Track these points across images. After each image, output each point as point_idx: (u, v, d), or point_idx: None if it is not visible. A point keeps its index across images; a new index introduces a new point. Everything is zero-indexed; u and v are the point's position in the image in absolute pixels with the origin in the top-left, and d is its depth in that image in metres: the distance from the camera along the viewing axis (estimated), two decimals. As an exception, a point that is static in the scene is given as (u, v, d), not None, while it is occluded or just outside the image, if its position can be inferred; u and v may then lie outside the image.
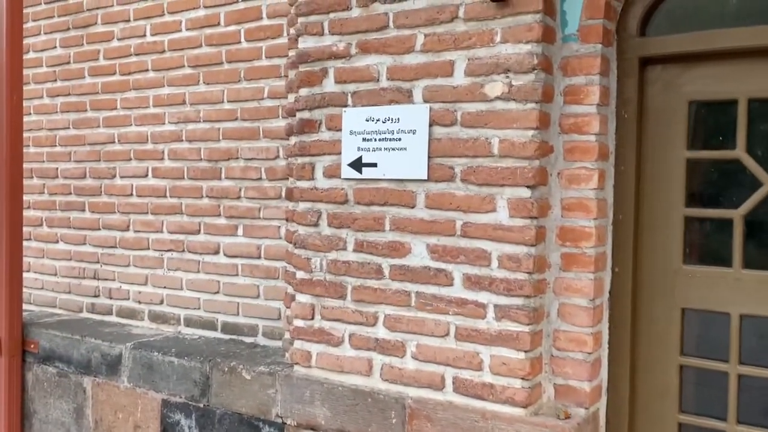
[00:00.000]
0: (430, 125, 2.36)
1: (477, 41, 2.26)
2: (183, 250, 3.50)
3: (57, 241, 4.02)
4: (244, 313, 3.30)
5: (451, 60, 2.32)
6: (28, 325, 3.68)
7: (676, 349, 2.29)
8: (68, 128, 3.95)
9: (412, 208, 2.42)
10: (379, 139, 2.48)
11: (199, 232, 3.45)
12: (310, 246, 2.66)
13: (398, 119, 2.43)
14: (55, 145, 4.01)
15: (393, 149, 2.45)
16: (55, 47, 3.99)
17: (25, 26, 3.83)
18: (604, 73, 2.23)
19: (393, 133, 2.44)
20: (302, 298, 2.69)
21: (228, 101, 3.33)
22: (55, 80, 4.00)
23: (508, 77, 2.21)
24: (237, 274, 3.32)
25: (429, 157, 2.36)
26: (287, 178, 3.07)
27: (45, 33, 4.03)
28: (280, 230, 3.20)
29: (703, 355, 2.27)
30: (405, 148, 2.42)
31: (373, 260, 2.51)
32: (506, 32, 2.21)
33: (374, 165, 2.49)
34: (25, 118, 3.94)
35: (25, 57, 3.90)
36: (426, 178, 2.37)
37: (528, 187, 2.18)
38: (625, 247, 2.32)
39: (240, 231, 3.31)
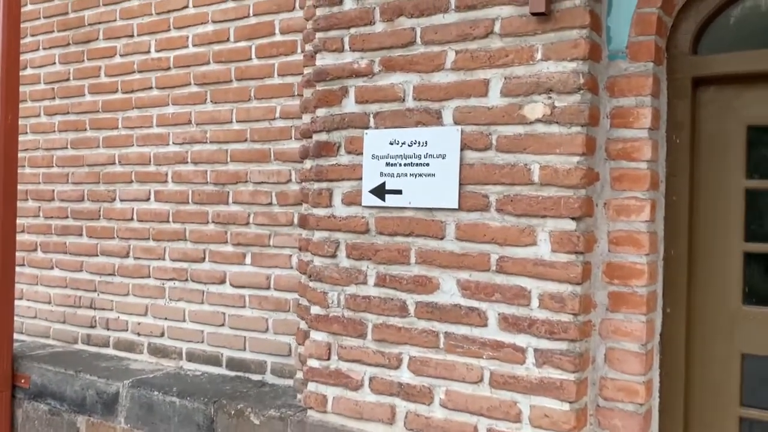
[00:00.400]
0: (462, 149, 2.16)
1: (515, 59, 2.07)
2: (186, 279, 3.28)
3: (52, 268, 3.80)
4: (252, 348, 3.07)
5: (486, 79, 2.12)
6: (18, 358, 3.44)
7: (735, 399, 2.06)
8: (66, 148, 3.74)
9: (441, 239, 2.20)
10: (405, 164, 2.27)
11: (203, 260, 3.23)
12: (327, 279, 2.44)
13: (426, 143, 2.23)
14: (52, 166, 3.80)
15: (420, 175, 2.24)
16: (54, 63, 3.80)
17: (22, 41, 3.65)
18: (655, 94, 2.03)
19: (420, 158, 2.24)
20: (317, 335, 2.47)
21: (237, 121, 3.13)
22: (54, 98, 3.80)
23: (550, 98, 2.01)
24: (244, 306, 3.10)
25: (460, 185, 2.16)
26: (300, 204, 2.86)
27: (44, 48, 3.84)
28: (291, 259, 2.98)
29: (765, 406, 2.05)
30: (433, 174, 2.21)
31: (396, 296, 2.29)
32: (548, 49, 2.02)
33: (399, 192, 2.29)
34: (21, 138, 3.75)
35: (22, 73, 3.72)
36: (457, 207, 2.16)
37: (573, 218, 1.97)
38: (678, 286, 2.10)
39: (248, 259, 3.09)
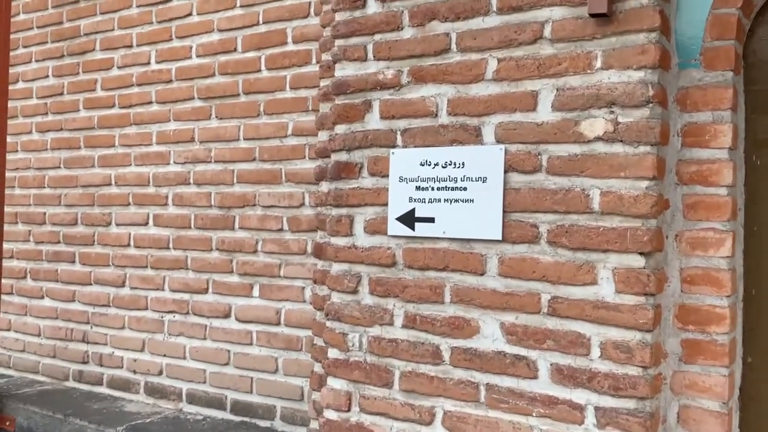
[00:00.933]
0: (506, 172, 1.87)
1: (569, 67, 1.79)
2: (187, 313, 2.98)
3: (42, 297, 3.50)
4: (259, 390, 2.76)
5: (534, 91, 1.84)
6: (4, 397, 3.13)
7: (831, 465, 1.75)
8: (59, 168, 3.47)
9: (481, 275, 1.91)
10: (438, 188, 1.98)
11: (206, 291, 2.93)
12: (347, 318, 2.14)
13: (463, 164, 1.94)
14: (44, 187, 3.52)
15: (456, 201, 1.95)
16: (48, 76, 3.54)
17: (13, 53, 3.40)
18: (734, 108, 1.75)
19: (456, 181, 1.95)
20: (336, 383, 2.16)
21: (245, 139, 2.85)
22: (46, 113, 3.53)
23: (612, 112, 1.72)
24: (251, 343, 2.80)
25: (504, 212, 1.86)
26: (315, 231, 2.58)
27: (36, 60, 3.58)
28: (304, 292, 2.68)
29: None
30: (472, 200, 1.92)
31: (428, 340, 1.99)
32: (609, 56, 1.73)
33: (431, 220, 1.99)
34: (11, 156, 3.48)
35: (12, 87, 3.46)
36: (500, 238, 1.87)
37: (641, 253, 1.68)
38: (761, 332, 1.79)
39: (256, 291, 2.80)
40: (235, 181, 2.88)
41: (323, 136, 2.47)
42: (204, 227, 2.95)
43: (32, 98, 3.59)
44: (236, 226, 2.87)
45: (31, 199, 3.57)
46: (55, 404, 3.03)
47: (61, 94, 3.48)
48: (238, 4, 2.88)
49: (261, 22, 2.82)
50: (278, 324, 2.74)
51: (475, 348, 1.91)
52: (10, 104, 3.46)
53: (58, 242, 3.45)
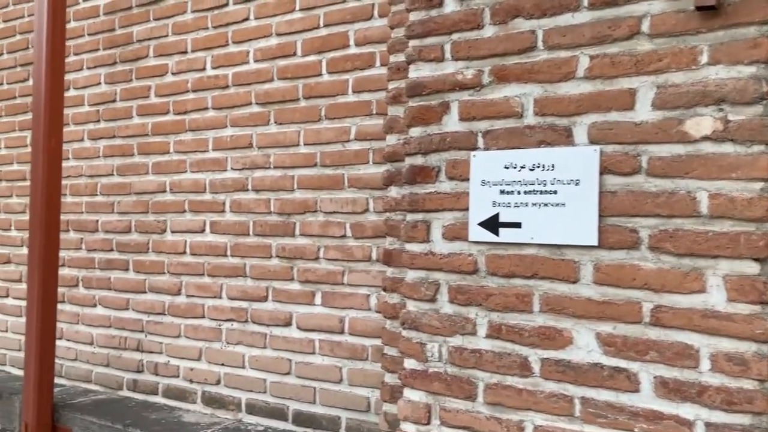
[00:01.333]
0: (601, 174, 1.78)
1: (671, 63, 1.70)
2: (246, 321, 2.93)
3: (95, 305, 3.48)
4: (323, 401, 2.69)
5: (631, 88, 1.75)
6: (59, 407, 3.11)
7: None
8: (112, 175, 3.45)
9: (574, 283, 1.82)
10: (525, 192, 1.90)
11: (266, 299, 2.87)
12: (425, 327, 2.06)
13: (552, 166, 1.86)
14: (96, 194, 3.50)
15: (545, 205, 1.86)
16: (100, 84, 3.52)
17: (65, 60, 3.38)
18: None
19: (545, 184, 1.87)
20: (413, 394, 2.08)
21: (305, 144, 2.80)
22: (98, 121, 3.52)
23: (721, 110, 1.63)
24: (313, 352, 2.73)
25: (600, 216, 1.77)
26: (381, 237, 2.51)
27: (88, 68, 3.57)
28: (369, 299, 2.61)
29: None
30: (563, 204, 1.83)
31: (515, 350, 1.90)
32: (717, 50, 1.64)
33: (517, 225, 1.91)
34: (63, 163, 3.46)
35: (65, 95, 3.44)
36: (596, 243, 1.78)
37: (756, 260, 1.58)
38: None
39: (318, 299, 2.73)
40: (295, 187, 2.82)
41: (392, 139, 2.40)
42: (263, 234, 2.90)
43: (84, 106, 3.58)
44: (297, 232, 2.81)
45: (83, 206, 3.55)
46: (112, 414, 2.99)
47: (114, 101, 3.46)
48: (297, 8, 2.83)
49: (322, 25, 2.77)
50: (342, 332, 2.67)
51: (567, 359, 1.82)
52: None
53: (111, 250, 3.43)
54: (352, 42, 2.69)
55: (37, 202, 3.06)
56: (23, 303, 3.83)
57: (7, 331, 3.88)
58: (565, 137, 1.85)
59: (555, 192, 1.85)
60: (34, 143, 3.10)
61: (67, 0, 3.14)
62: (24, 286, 3.83)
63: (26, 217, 3.83)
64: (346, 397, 2.64)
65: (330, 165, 2.73)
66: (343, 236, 2.69)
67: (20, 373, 3.77)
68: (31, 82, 3.85)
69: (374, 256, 2.60)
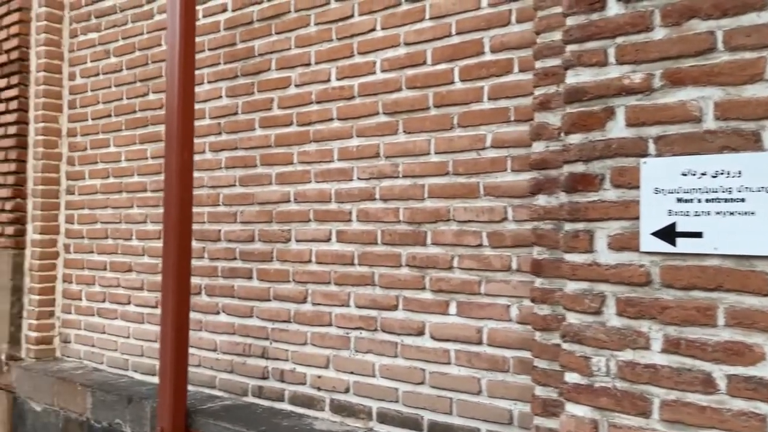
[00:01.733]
0: (798, 181, 1.68)
1: None
2: (375, 329, 2.93)
3: (218, 313, 3.57)
4: (460, 412, 2.66)
5: (833, 89, 1.65)
6: (191, 413, 3.19)
7: None
8: (234, 185, 3.53)
9: (765, 296, 1.72)
10: (707, 200, 1.82)
11: (396, 307, 2.87)
12: (589, 341, 2.00)
13: (739, 173, 1.77)
14: (219, 205, 3.60)
15: (731, 213, 1.78)
16: (221, 97, 3.62)
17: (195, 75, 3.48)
18: None
19: (730, 192, 1.78)
20: (577, 409, 2.02)
21: (436, 152, 2.79)
22: (220, 133, 3.62)
23: None
24: (449, 362, 2.71)
25: (797, 226, 1.68)
26: (524, 246, 2.47)
27: (209, 82, 3.68)
28: (509, 310, 2.57)
29: None
30: (752, 213, 1.74)
31: (696, 366, 1.82)
32: None
33: (698, 235, 1.83)
34: (188, 175, 3.58)
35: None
36: (792, 254, 1.68)
37: None
38: None
39: (452, 309, 2.71)
40: (425, 195, 2.81)
41: (539, 147, 2.36)
42: (392, 243, 2.90)
43: (205, 119, 3.68)
44: (428, 241, 2.80)
45: (206, 216, 3.65)
46: (244, 420, 3.05)
47: (235, 113, 3.55)
48: (427, 17, 2.83)
49: (453, 33, 2.75)
50: (480, 343, 2.63)
51: (760, 377, 1.72)
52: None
53: (234, 258, 3.51)
54: (487, 49, 2.66)
55: (170, 214, 3.17)
56: (144, 310, 3.98)
57: (129, 337, 4.03)
58: (753, 142, 1.76)
59: (743, 200, 1.76)
60: (167, 156, 3.21)
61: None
62: (145, 293, 3.98)
63: (147, 227, 3.98)
64: (486, 408, 2.59)
65: (463, 173, 2.71)
66: (479, 245, 2.65)
67: (143, 378, 3.92)
68: (151, 97, 4.01)
69: (514, 265, 2.56)
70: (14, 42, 4.54)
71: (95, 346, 4.25)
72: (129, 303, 4.06)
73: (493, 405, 2.58)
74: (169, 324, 3.12)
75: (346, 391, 3.02)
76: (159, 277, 3.86)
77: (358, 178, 3.03)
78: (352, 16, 3.08)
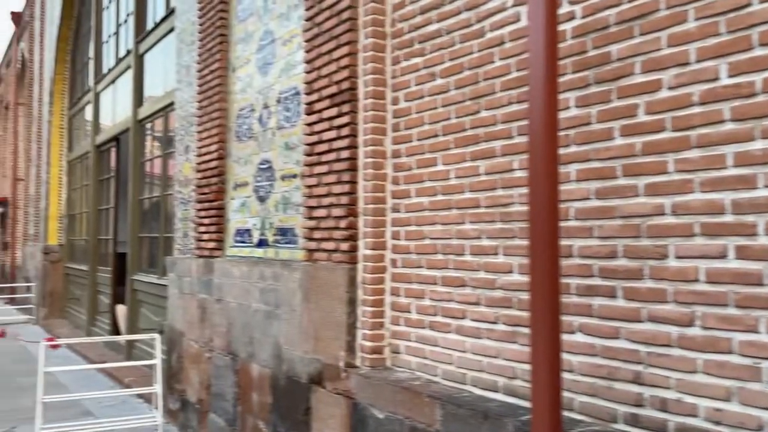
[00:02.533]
0: None
1: None
2: (800, 361, 2.52)
3: (573, 332, 3.42)
4: None
5: None
6: (563, 436, 3.07)
7: None
8: (589, 199, 3.37)
9: None
10: None
11: (832, 337, 2.44)
12: None
13: None
14: (569, 219, 3.47)
15: None
16: (569, 107, 3.50)
17: (527, 89, 3.40)
18: None
19: None
20: None
21: None
22: (568, 145, 3.49)
23: None
24: None
25: None
26: None
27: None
28: None
29: None
30: None
31: None
32: None
33: None
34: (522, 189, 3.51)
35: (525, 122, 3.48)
36: None
37: None
38: None
39: None
40: None
41: None
42: (824, 260, 2.48)
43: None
44: None
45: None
46: (630, 450, 2.83)
47: (588, 123, 3.40)
48: None
49: None
50: None
51: None
52: (522, 138, 3.48)
53: (591, 276, 3.34)
54: None
55: (537, 230, 3.11)
56: (482, 325, 3.99)
57: (465, 351, 4.09)
58: None
59: None
60: (532, 171, 3.16)
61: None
62: (482, 308, 3.99)
63: (481, 242, 4.01)
64: None
65: None
66: None
67: (483, 393, 3.92)
68: (483, 114, 4.05)
69: None
70: (344, 73, 4.97)
71: (428, 358, 4.39)
72: (464, 317, 4.12)
73: None
74: (541, 346, 3.04)
75: (759, 429, 2.64)
76: (496, 293, 3.87)
77: (765, 186, 2.67)
78: (749, 5, 2.74)
